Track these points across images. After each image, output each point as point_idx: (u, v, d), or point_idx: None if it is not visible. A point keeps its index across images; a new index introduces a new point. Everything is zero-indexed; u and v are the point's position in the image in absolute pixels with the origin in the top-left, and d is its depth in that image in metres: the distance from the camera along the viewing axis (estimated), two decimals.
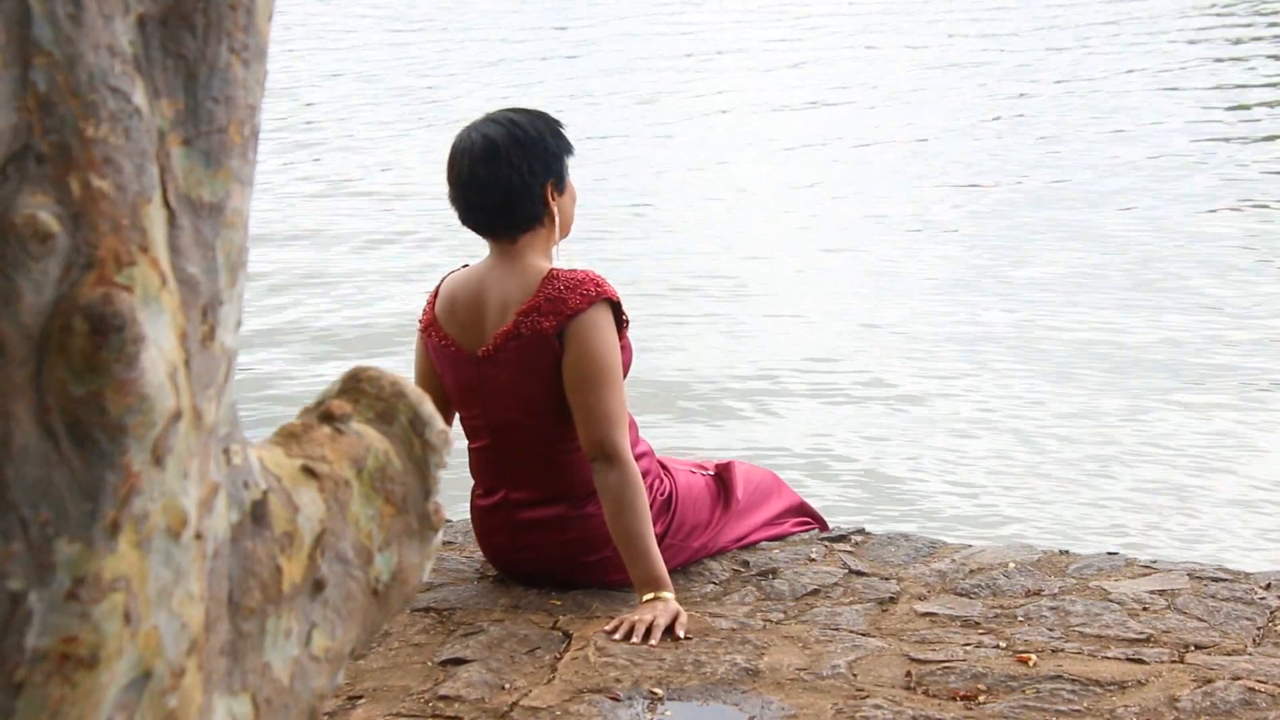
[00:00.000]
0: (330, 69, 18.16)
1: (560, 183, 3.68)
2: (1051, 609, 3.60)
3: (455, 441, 1.84)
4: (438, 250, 9.45)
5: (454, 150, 3.68)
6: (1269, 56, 16.35)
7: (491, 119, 3.69)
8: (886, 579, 3.84)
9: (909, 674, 3.27)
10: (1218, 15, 19.76)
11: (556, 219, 3.68)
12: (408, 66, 18.17)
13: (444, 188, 3.72)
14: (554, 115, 3.77)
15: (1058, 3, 21.38)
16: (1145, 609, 3.60)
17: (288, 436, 1.66)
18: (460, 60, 18.47)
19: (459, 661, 3.35)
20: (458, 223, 3.74)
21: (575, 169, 3.78)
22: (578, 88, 16.09)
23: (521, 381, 3.64)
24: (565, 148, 3.69)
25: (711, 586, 3.81)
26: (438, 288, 3.80)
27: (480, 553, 3.95)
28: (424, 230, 10.21)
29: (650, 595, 3.52)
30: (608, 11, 21.47)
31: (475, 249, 3.82)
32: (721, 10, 22.60)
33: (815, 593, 3.76)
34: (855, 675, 3.26)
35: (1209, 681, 3.18)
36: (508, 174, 3.61)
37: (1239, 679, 3.18)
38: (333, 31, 21.70)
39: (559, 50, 19.00)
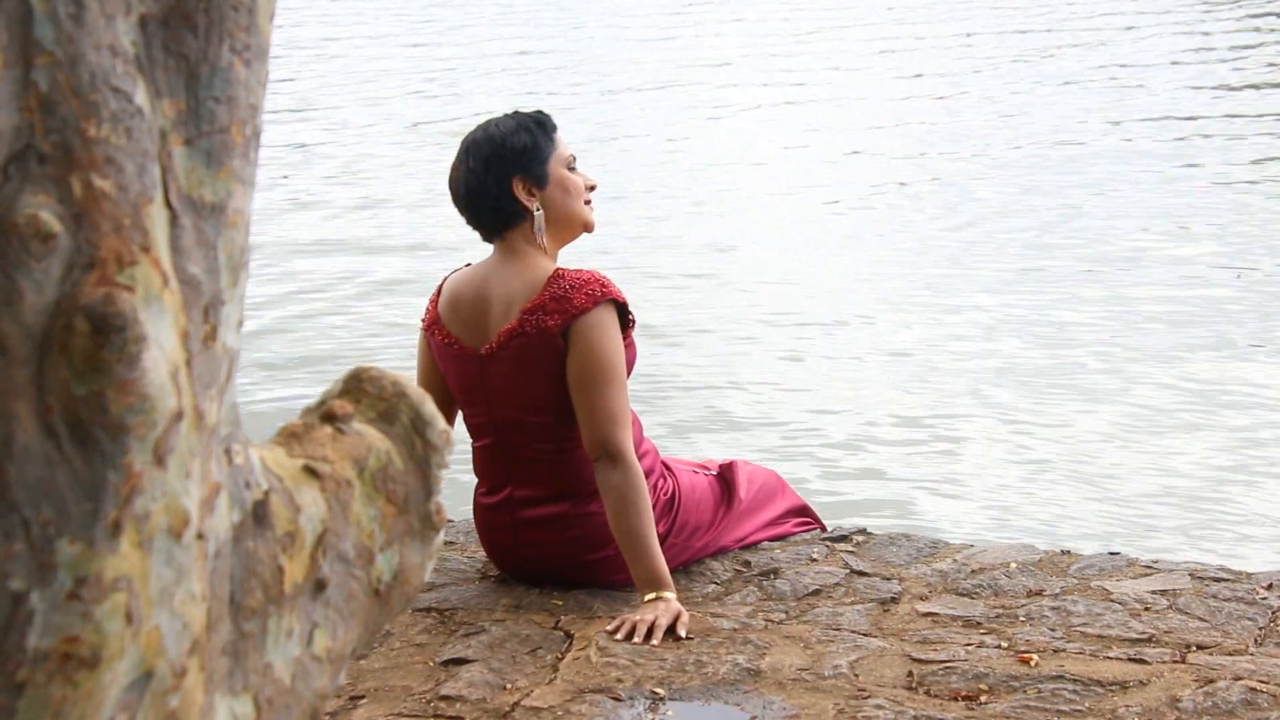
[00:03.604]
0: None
1: (535, 178, 3.67)
2: (1053, 609, 3.60)
3: (457, 442, 1.84)
4: None
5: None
6: None
7: (484, 120, 3.77)
8: (888, 579, 3.84)
9: (911, 674, 3.27)
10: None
11: (538, 214, 3.67)
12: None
13: None
14: (542, 111, 3.80)
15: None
16: (1147, 609, 3.60)
17: (289, 436, 1.66)
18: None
19: (460, 661, 3.35)
20: None
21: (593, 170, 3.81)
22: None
23: (525, 379, 3.64)
24: (533, 143, 3.68)
25: (713, 586, 3.81)
26: (440, 287, 3.81)
27: (482, 553, 3.95)
28: None
29: (652, 595, 3.52)
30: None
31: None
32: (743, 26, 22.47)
33: (817, 593, 3.76)
34: (857, 675, 3.26)
35: (1211, 682, 3.17)
36: (466, 177, 3.69)
37: (1240, 679, 3.18)
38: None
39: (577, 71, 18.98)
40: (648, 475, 3.69)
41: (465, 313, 3.72)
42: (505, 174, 3.65)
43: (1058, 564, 3.91)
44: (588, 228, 3.78)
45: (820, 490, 5.69)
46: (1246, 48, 17.23)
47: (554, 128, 3.74)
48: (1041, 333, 7.80)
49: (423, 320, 3.83)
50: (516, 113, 3.76)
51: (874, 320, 8.14)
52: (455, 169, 3.71)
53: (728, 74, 17.55)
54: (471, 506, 3.88)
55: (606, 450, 3.56)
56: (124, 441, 1.34)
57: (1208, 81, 15.33)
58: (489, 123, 3.73)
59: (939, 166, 12.09)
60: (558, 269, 3.65)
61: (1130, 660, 3.31)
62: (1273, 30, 18.46)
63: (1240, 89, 14.87)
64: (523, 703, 3.14)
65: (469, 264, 3.84)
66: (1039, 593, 3.72)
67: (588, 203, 3.76)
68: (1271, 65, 16.08)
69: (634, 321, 3.70)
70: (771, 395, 7.07)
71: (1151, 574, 3.83)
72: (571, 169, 3.74)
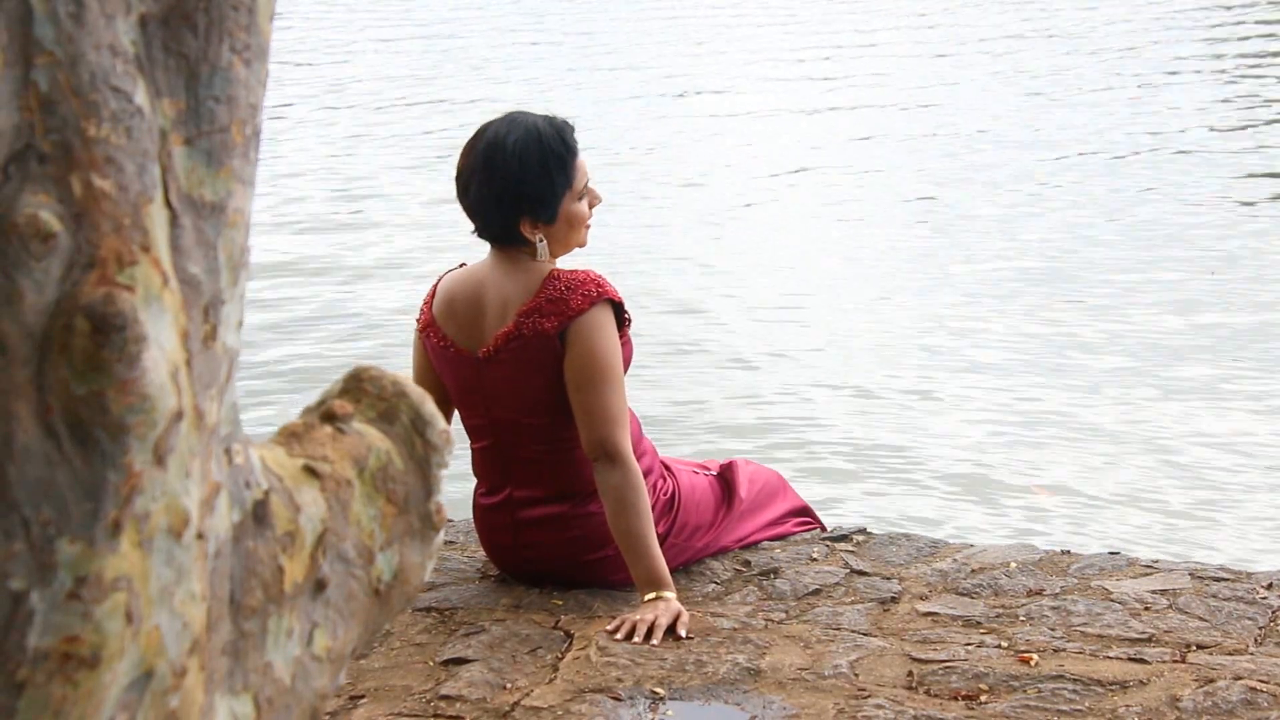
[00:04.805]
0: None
1: (546, 215, 3.61)
2: (1053, 609, 3.60)
3: (456, 441, 1.84)
4: None
5: (472, 135, 3.66)
6: None
7: (510, 121, 3.63)
8: (888, 579, 3.84)
9: (911, 674, 3.27)
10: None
11: (541, 245, 3.63)
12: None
13: None
14: (570, 127, 3.68)
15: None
16: (1147, 609, 3.60)
17: (289, 436, 1.66)
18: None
19: (461, 661, 3.35)
20: None
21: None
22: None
23: (522, 381, 3.64)
24: (550, 188, 3.59)
25: (713, 586, 3.81)
26: (434, 287, 3.79)
27: (482, 552, 3.94)
28: None
29: (652, 595, 3.52)
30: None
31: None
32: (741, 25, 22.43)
33: (817, 592, 3.76)
34: (857, 675, 3.26)
35: (1211, 681, 3.17)
36: (477, 194, 3.61)
37: (1240, 679, 3.18)
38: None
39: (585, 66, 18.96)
40: (647, 475, 3.69)
41: (461, 315, 3.71)
42: (515, 214, 3.60)
43: (1058, 564, 3.91)
44: (581, 245, 3.75)
45: (820, 490, 5.69)
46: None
47: (576, 152, 3.64)
48: (1041, 333, 7.80)
49: (417, 321, 3.81)
50: (540, 135, 3.60)
51: (874, 320, 8.14)
52: (468, 168, 3.61)
53: (726, 71, 17.56)
54: (471, 506, 3.88)
55: (605, 450, 3.55)
56: (124, 441, 1.34)
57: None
58: (511, 139, 3.58)
59: (943, 168, 12.09)
60: (553, 270, 3.64)
61: (1130, 660, 3.31)
62: None
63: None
64: (523, 702, 3.14)
65: (464, 264, 3.83)
66: (1039, 592, 3.72)
67: (587, 225, 3.73)
68: None
69: (630, 320, 3.69)
70: (771, 395, 7.07)
71: (1151, 574, 3.83)
72: (583, 195, 3.66)
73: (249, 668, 1.53)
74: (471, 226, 3.71)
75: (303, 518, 1.58)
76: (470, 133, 3.69)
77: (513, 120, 3.64)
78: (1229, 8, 20.64)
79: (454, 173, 3.69)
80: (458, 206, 3.69)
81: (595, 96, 15.76)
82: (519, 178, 3.57)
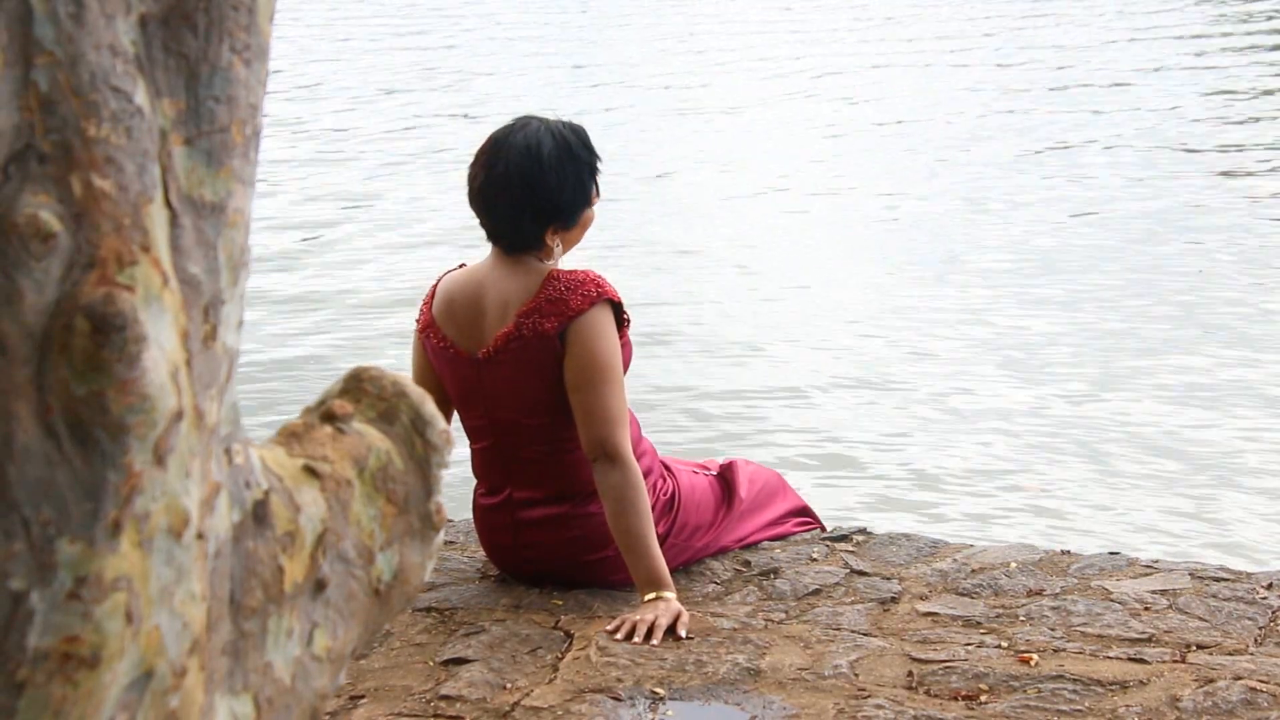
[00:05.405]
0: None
1: (568, 223, 3.64)
2: (1053, 609, 3.60)
3: (456, 441, 1.84)
4: None
5: (491, 143, 3.64)
6: None
7: (535, 131, 3.61)
8: (888, 579, 3.84)
9: (911, 674, 3.27)
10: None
11: (557, 249, 3.65)
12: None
13: None
14: (589, 134, 3.69)
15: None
16: (1147, 609, 3.60)
17: (289, 436, 1.66)
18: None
19: (461, 661, 3.35)
20: None
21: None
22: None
23: (523, 382, 3.64)
24: (584, 199, 3.63)
25: (713, 586, 3.81)
26: (434, 288, 3.78)
27: (482, 552, 3.95)
28: None
29: (652, 595, 3.52)
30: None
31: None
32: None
33: (817, 592, 3.76)
34: (857, 675, 3.26)
35: (1210, 681, 3.17)
36: (507, 206, 3.59)
37: (1240, 679, 3.18)
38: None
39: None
40: (647, 475, 3.69)
41: (461, 316, 3.70)
42: (544, 225, 3.61)
43: (1058, 564, 3.91)
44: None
45: (820, 490, 5.69)
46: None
47: (599, 158, 3.68)
48: (1043, 333, 7.80)
49: (417, 322, 3.81)
50: (570, 146, 3.61)
51: (874, 320, 8.14)
52: (494, 181, 3.59)
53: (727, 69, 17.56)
54: (471, 506, 3.88)
55: (604, 450, 3.55)
56: (124, 441, 1.34)
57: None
58: (545, 151, 3.57)
59: (943, 166, 12.09)
60: (553, 270, 3.64)
61: (1130, 660, 3.31)
62: None
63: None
64: (523, 702, 3.14)
65: (463, 264, 3.82)
66: (1039, 593, 3.72)
67: None
68: None
69: (629, 320, 3.69)
70: (771, 395, 7.07)
71: (1151, 574, 3.83)
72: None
73: (249, 668, 1.53)
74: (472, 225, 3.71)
75: (303, 518, 1.58)
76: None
77: (535, 130, 3.62)
78: None
79: (468, 182, 3.66)
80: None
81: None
82: (557, 192, 3.58)
